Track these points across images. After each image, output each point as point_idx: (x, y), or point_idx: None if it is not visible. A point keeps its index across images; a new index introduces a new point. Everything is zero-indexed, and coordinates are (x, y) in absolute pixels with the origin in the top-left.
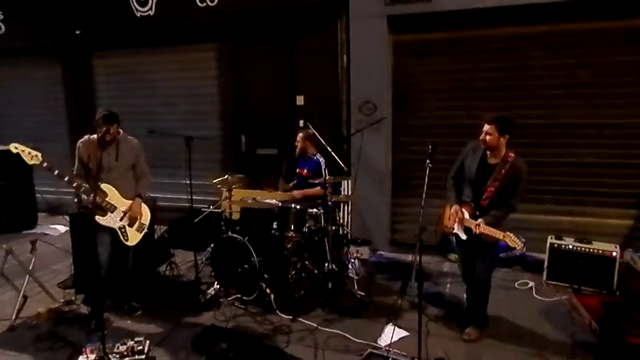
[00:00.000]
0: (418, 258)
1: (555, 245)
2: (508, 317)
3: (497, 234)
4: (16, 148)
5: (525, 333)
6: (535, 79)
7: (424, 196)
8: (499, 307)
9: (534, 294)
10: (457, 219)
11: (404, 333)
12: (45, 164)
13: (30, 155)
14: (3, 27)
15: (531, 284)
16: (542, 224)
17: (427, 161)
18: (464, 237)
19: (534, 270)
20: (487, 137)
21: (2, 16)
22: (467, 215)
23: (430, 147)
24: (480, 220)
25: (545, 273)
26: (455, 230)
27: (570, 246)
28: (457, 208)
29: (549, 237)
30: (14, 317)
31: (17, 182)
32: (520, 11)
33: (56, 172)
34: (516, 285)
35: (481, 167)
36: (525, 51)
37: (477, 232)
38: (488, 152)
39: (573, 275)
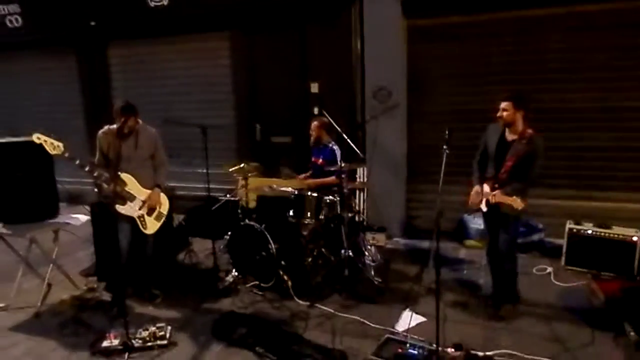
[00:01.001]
0: (435, 244)
1: (574, 230)
2: (526, 302)
3: (507, 199)
4: (39, 138)
5: (543, 318)
6: (551, 62)
7: (440, 182)
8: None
9: (553, 279)
10: (478, 195)
11: (421, 319)
12: (67, 154)
13: (53, 146)
14: (20, 20)
15: (550, 269)
16: (560, 210)
17: (444, 147)
18: (484, 208)
19: (552, 255)
20: (504, 114)
21: (19, 10)
22: (487, 189)
23: (447, 132)
24: (497, 191)
25: (563, 258)
26: (479, 205)
27: (590, 231)
28: (478, 187)
29: (568, 222)
30: (39, 304)
31: (38, 173)
32: None
33: (77, 161)
34: (535, 270)
35: (500, 144)
36: (541, 34)
37: (493, 201)
38: (507, 130)
39: (592, 260)
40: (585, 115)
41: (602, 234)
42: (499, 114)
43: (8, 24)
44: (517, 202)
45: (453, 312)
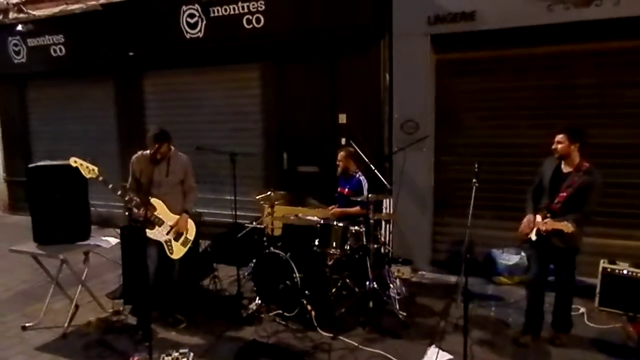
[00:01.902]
0: (463, 278)
1: (609, 269)
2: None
3: (558, 225)
4: (75, 162)
5: None
6: (581, 98)
7: (470, 216)
8: (549, 332)
9: (586, 320)
10: (529, 224)
11: (447, 356)
12: (100, 178)
13: (88, 169)
14: (64, 49)
15: (582, 309)
16: (593, 248)
17: (474, 180)
18: (534, 237)
19: (584, 295)
20: (559, 146)
21: (63, 40)
22: (539, 219)
23: (476, 166)
24: (547, 220)
25: (597, 299)
26: (529, 234)
27: (625, 271)
28: (530, 216)
29: (602, 261)
30: (66, 324)
31: (72, 196)
32: (565, 29)
33: (110, 185)
34: None
35: (555, 176)
36: (570, 69)
37: (543, 229)
38: (562, 162)
39: (628, 301)
40: (619, 152)
41: (639, 274)
42: (553, 146)
43: (52, 52)
44: (567, 227)
45: (480, 350)
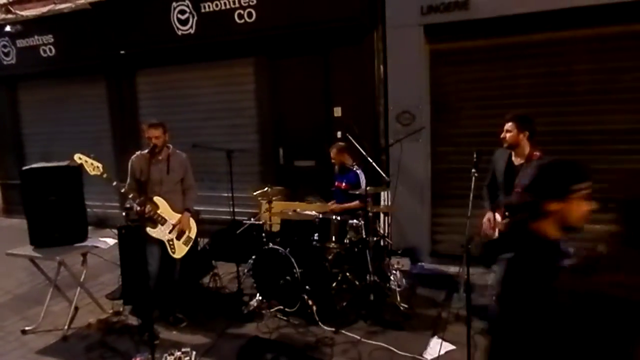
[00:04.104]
0: (465, 269)
1: None
2: None
3: None
4: (80, 158)
5: None
6: (578, 85)
7: (470, 205)
8: None
9: None
10: (490, 224)
11: (450, 347)
12: (105, 175)
13: (93, 166)
14: (54, 49)
15: None
16: (591, 234)
17: (473, 170)
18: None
19: None
20: (507, 135)
21: (52, 40)
22: (498, 218)
23: (475, 155)
24: (507, 220)
25: None
26: (492, 234)
27: None
28: (490, 215)
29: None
30: (66, 327)
31: (68, 197)
32: (561, 15)
33: (114, 183)
34: None
35: (508, 170)
36: (566, 56)
37: (504, 230)
38: (513, 153)
39: None
40: (618, 137)
41: None
42: (502, 135)
43: (42, 53)
44: None
45: (483, 340)
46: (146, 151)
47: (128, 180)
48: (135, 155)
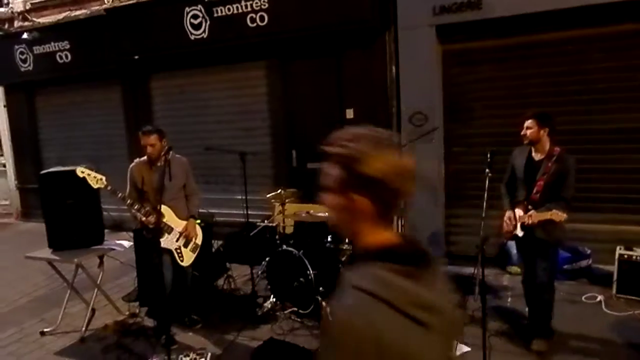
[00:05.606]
0: (480, 270)
1: (625, 256)
2: (577, 333)
3: (546, 214)
4: (82, 172)
5: (596, 349)
6: (591, 83)
7: (484, 206)
8: (566, 321)
9: (604, 308)
10: (512, 221)
11: (465, 348)
12: (109, 187)
13: (96, 179)
14: (70, 55)
15: (600, 297)
16: (608, 234)
17: (487, 170)
18: (520, 233)
19: (602, 283)
20: (528, 132)
21: (68, 46)
22: (520, 213)
23: (489, 155)
24: (531, 212)
25: (614, 286)
26: (514, 231)
27: None
28: (510, 214)
29: (618, 247)
30: (83, 329)
31: (85, 201)
32: (574, 14)
33: (119, 194)
34: (584, 299)
35: (529, 165)
36: (579, 55)
37: (529, 222)
38: (533, 149)
39: None
40: (633, 136)
41: None
42: (522, 132)
43: (58, 59)
44: (558, 215)
45: (499, 341)
46: (144, 158)
47: (127, 188)
48: (134, 163)
